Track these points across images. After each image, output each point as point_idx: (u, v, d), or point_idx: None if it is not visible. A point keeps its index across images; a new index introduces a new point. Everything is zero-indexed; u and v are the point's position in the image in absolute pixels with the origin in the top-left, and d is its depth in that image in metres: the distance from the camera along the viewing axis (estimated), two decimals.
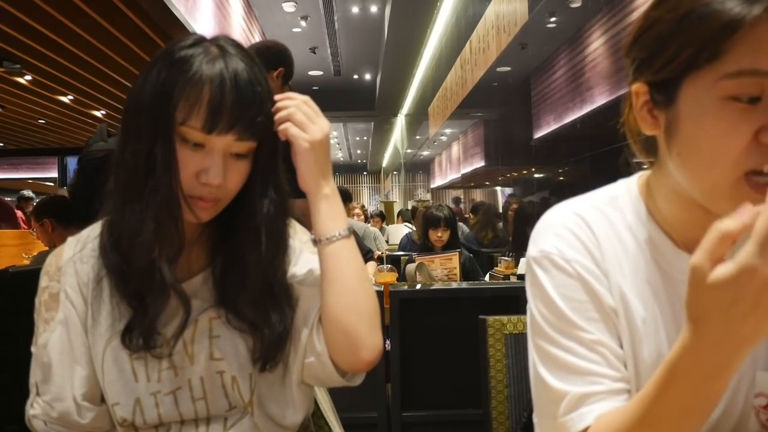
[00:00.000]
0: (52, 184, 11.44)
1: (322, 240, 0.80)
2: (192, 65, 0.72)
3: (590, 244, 0.70)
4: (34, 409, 0.79)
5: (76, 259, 0.81)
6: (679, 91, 0.60)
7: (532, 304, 0.71)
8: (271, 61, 2.18)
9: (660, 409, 0.55)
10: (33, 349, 0.80)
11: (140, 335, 0.75)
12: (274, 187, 0.80)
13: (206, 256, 0.84)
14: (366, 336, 0.78)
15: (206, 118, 0.71)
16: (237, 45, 0.77)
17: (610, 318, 0.68)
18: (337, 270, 0.79)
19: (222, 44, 0.76)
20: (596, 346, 0.65)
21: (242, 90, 0.72)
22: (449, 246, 3.11)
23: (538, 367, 0.69)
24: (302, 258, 0.87)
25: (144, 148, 0.72)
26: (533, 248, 0.72)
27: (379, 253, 4.45)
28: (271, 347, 0.79)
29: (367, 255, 3.27)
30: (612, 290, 0.68)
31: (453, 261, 2.72)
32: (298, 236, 0.89)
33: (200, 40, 0.76)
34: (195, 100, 0.71)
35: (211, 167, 0.73)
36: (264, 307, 0.79)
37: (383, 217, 9.01)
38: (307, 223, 0.89)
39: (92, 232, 0.83)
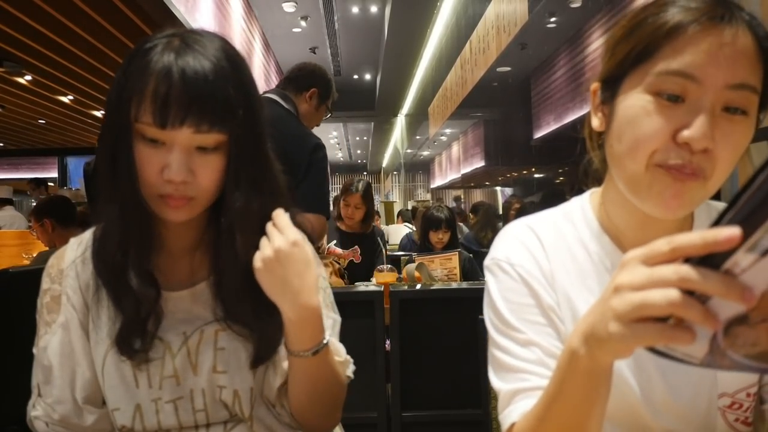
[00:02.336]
0: (52, 184, 11.43)
1: (286, 349, 0.78)
2: (144, 59, 0.70)
3: (537, 253, 0.74)
4: (36, 410, 0.79)
5: (77, 262, 0.80)
6: (619, 86, 0.65)
7: (484, 310, 0.76)
8: (303, 82, 2.17)
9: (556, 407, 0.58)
10: (34, 350, 0.80)
11: (122, 340, 0.75)
12: (251, 182, 0.75)
13: (210, 262, 0.82)
14: (316, 425, 0.84)
15: (154, 112, 0.68)
16: (208, 37, 0.74)
17: (552, 320, 0.70)
18: (293, 378, 0.79)
19: (187, 36, 0.73)
20: (528, 346, 0.68)
21: (189, 79, 0.68)
22: (449, 247, 3.10)
23: (488, 368, 0.73)
24: None
25: (109, 149, 0.72)
26: (487, 257, 0.77)
27: None
28: (262, 347, 0.78)
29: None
30: (558, 295, 0.72)
31: (453, 261, 2.72)
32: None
33: (169, 34, 0.73)
34: (143, 95, 0.69)
35: (172, 163, 0.70)
36: (251, 307, 0.77)
37: (379, 214, 9.07)
38: (315, 239, 0.89)
39: (93, 235, 0.82)
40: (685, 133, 0.58)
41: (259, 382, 0.81)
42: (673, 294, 0.40)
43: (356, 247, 3.00)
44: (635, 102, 0.62)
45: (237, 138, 0.73)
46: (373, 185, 3.31)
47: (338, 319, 0.89)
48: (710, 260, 0.39)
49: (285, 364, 0.80)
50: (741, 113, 0.60)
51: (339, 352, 0.85)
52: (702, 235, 0.39)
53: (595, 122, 0.70)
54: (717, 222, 0.39)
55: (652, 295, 0.41)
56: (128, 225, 0.73)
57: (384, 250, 3.15)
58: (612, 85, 0.67)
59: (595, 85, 0.71)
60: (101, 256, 0.76)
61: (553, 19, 8.27)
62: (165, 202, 0.72)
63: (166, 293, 0.79)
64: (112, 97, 0.72)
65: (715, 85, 0.58)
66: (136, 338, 0.75)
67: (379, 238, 3.16)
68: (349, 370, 0.87)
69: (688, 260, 0.41)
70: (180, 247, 0.81)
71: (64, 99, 7.55)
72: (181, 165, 0.70)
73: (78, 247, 0.82)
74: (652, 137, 0.61)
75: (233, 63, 0.73)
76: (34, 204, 5.95)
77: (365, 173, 23.43)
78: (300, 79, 2.17)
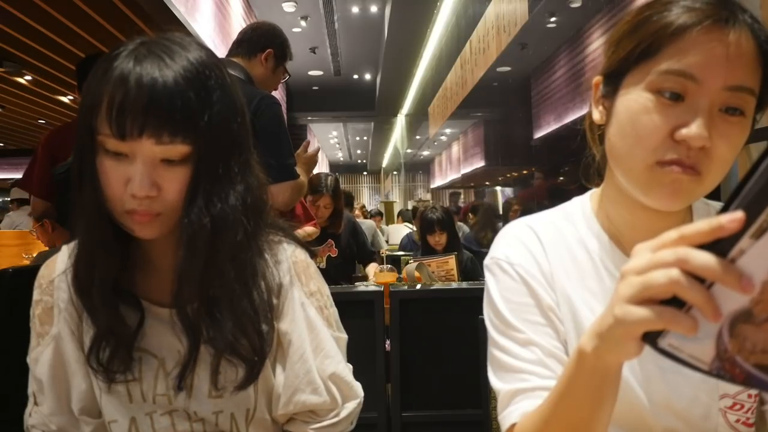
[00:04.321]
0: None
1: None
2: (105, 68, 0.67)
3: (537, 252, 0.74)
4: (33, 418, 0.78)
5: (68, 272, 0.78)
6: (621, 82, 0.66)
7: (484, 310, 0.76)
8: (256, 43, 2.02)
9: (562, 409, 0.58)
10: (28, 360, 0.79)
11: (94, 355, 0.74)
12: (207, 195, 0.70)
13: None
14: None
15: (111, 122, 0.65)
16: (179, 44, 0.70)
17: (551, 320, 0.71)
18: None
19: (154, 43, 0.69)
20: (528, 345, 0.69)
21: (145, 87, 0.65)
22: (449, 247, 3.09)
23: (488, 368, 0.73)
24: (293, 316, 0.79)
25: (77, 163, 0.70)
26: (487, 257, 0.77)
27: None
28: (244, 369, 0.75)
29: (371, 256, 3.20)
30: (557, 295, 0.72)
31: (449, 263, 2.71)
32: (304, 286, 0.82)
33: (137, 42, 0.70)
34: (100, 105, 0.66)
35: (134, 176, 0.66)
36: (217, 327, 0.73)
37: (381, 215, 9.09)
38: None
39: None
40: (683, 132, 0.60)
41: (256, 401, 0.79)
42: (674, 272, 0.41)
43: (330, 240, 2.96)
44: (636, 99, 0.63)
45: (200, 149, 0.69)
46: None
47: (344, 337, 0.86)
48: (717, 249, 0.40)
49: (296, 401, 0.78)
50: (738, 114, 0.61)
51: (343, 401, 0.82)
52: (708, 222, 0.40)
53: (596, 115, 0.71)
54: (723, 211, 0.40)
55: (654, 275, 0.42)
56: (94, 243, 0.71)
57: (367, 239, 3.16)
58: (614, 80, 0.67)
59: (597, 79, 0.71)
60: (73, 274, 0.75)
61: (553, 19, 8.26)
62: (131, 217, 0.69)
63: (157, 309, 0.77)
64: (79, 108, 0.70)
65: (714, 87, 0.59)
66: (114, 359, 0.74)
67: (355, 232, 3.13)
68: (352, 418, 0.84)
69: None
70: (166, 264, 0.78)
71: (64, 99, 7.54)
72: (143, 179, 0.66)
73: (69, 256, 0.80)
74: (651, 134, 0.62)
75: (200, 70, 0.69)
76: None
77: (365, 173, 23.43)
78: (253, 40, 2.03)
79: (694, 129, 0.59)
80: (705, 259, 0.40)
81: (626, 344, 0.46)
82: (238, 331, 0.73)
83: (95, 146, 0.68)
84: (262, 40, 2.03)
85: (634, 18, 0.66)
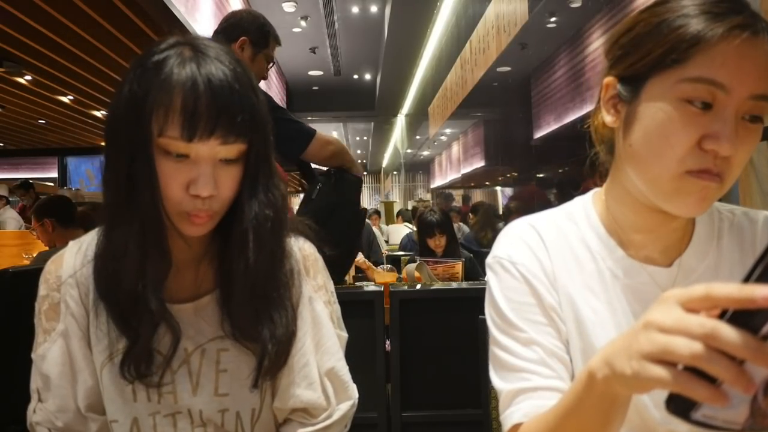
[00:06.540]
0: (52, 184, 11.43)
1: None
2: (163, 71, 0.67)
3: (539, 251, 0.74)
4: (37, 415, 0.77)
5: (78, 270, 0.78)
6: (643, 87, 0.65)
7: (485, 309, 0.76)
8: (231, 33, 1.93)
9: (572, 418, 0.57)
10: (33, 356, 0.79)
11: (131, 363, 0.73)
12: (265, 188, 0.75)
13: (215, 274, 0.80)
14: None
15: (183, 125, 0.66)
16: (214, 44, 0.73)
17: (553, 320, 0.71)
18: None
19: (197, 45, 0.71)
20: (530, 345, 0.69)
21: (216, 90, 0.67)
22: (448, 250, 3.07)
23: (489, 367, 0.73)
24: (300, 309, 0.81)
25: (123, 166, 0.68)
26: (489, 255, 0.77)
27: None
28: (268, 362, 0.76)
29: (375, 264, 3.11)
30: (559, 294, 0.72)
31: (456, 268, 2.70)
32: (311, 279, 0.84)
33: (175, 43, 0.71)
34: (168, 108, 0.66)
35: (199, 177, 0.68)
36: (258, 319, 0.75)
37: (378, 214, 9.11)
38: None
39: (93, 240, 0.79)
40: (715, 144, 0.60)
41: (262, 401, 0.79)
42: (697, 347, 0.40)
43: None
44: (663, 107, 0.62)
45: (254, 146, 0.72)
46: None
47: (344, 335, 0.86)
48: (751, 320, 0.38)
49: (291, 395, 0.79)
50: (758, 121, 0.62)
51: (337, 408, 0.82)
52: (739, 290, 0.38)
53: (609, 118, 0.70)
54: (751, 272, 0.38)
55: (677, 342, 0.41)
56: (149, 247, 0.71)
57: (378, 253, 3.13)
58: (634, 84, 0.66)
59: (609, 79, 0.70)
60: (113, 280, 0.73)
61: (553, 19, 8.26)
62: (189, 218, 0.70)
63: (168, 305, 0.77)
64: (121, 113, 0.69)
65: (741, 95, 0.60)
66: (143, 363, 0.73)
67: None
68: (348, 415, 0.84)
69: (726, 311, 0.40)
70: (184, 259, 0.79)
71: (64, 99, 7.54)
72: (209, 179, 0.68)
73: (77, 252, 0.80)
74: (680, 145, 0.61)
75: (243, 68, 0.72)
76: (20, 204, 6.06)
77: (365, 173, 23.43)
78: (227, 30, 1.93)
79: (725, 140, 0.59)
80: (734, 338, 0.38)
81: (637, 388, 0.46)
82: (285, 321, 0.76)
83: (151, 149, 0.68)
84: (236, 30, 1.94)
85: (650, 19, 0.65)
